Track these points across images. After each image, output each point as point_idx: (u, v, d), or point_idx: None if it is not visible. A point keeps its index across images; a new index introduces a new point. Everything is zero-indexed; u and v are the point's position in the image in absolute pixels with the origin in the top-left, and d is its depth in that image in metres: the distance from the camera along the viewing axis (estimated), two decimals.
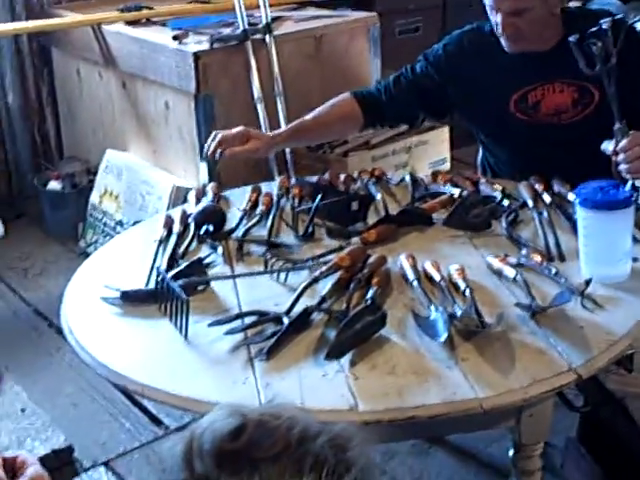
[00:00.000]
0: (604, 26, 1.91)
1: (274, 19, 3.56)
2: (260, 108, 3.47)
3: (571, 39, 1.95)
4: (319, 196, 2.13)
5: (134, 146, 3.88)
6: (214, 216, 2.10)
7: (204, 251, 2.01)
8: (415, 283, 1.77)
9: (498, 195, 2.11)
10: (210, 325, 1.67)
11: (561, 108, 2.22)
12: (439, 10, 4.57)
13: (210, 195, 2.24)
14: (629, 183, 1.82)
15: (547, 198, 2.11)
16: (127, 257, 2.07)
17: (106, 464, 2.65)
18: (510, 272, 1.78)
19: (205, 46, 3.36)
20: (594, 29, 1.92)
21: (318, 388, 1.51)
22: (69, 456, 2.51)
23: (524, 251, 1.88)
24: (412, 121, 2.59)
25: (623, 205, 1.73)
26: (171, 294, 1.73)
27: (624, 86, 1.97)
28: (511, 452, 1.77)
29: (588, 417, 2.15)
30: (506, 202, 2.09)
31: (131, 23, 3.72)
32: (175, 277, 1.80)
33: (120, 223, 3.75)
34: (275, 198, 2.21)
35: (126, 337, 1.74)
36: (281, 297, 1.77)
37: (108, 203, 3.85)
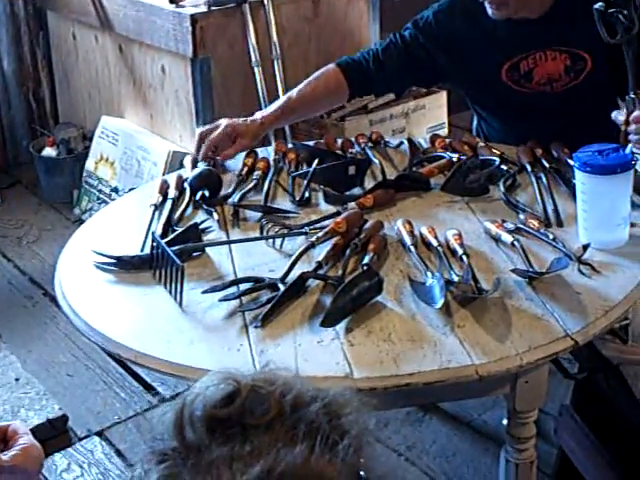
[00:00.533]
0: None
1: None
2: (257, 72, 3.44)
3: (596, 6, 1.91)
4: (316, 161, 2.11)
5: (130, 111, 3.85)
6: (210, 181, 2.08)
7: (200, 217, 1.99)
8: (412, 249, 1.76)
9: (496, 160, 2.09)
10: (205, 292, 1.66)
11: (553, 76, 2.19)
12: None
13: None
14: (629, 147, 1.80)
15: (545, 162, 2.09)
16: (122, 223, 2.06)
17: (100, 433, 2.66)
18: (507, 238, 1.77)
19: (202, 8, 3.33)
20: None
21: (313, 355, 1.50)
22: (63, 425, 2.52)
23: (522, 216, 1.86)
24: (401, 91, 2.55)
25: (622, 169, 1.71)
26: (166, 260, 1.72)
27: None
28: (505, 420, 1.77)
29: (583, 384, 2.14)
30: (504, 167, 2.07)
31: None
32: (170, 243, 1.78)
33: (115, 190, 3.73)
34: (271, 163, 2.19)
35: (120, 304, 1.73)
36: (277, 263, 1.76)
37: (104, 169, 3.83)
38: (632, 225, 1.79)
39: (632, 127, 1.93)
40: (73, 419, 2.65)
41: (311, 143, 2.35)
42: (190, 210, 2.02)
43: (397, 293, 1.65)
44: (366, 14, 3.80)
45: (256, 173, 2.14)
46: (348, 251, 1.74)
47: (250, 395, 0.80)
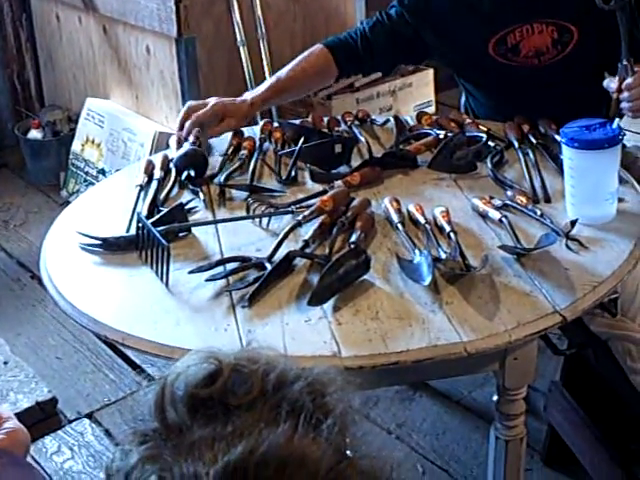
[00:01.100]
0: None
1: None
2: (243, 51, 3.43)
3: None
4: (302, 139, 2.10)
5: (115, 92, 3.83)
6: (196, 161, 2.06)
7: (186, 197, 1.98)
8: (399, 226, 1.75)
9: (483, 136, 2.08)
10: (191, 272, 1.65)
11: (541, 49, 2.17)
12: None
13: (191, 139, 2.20)
14: (616, 121, 1.79)
15: (533, 139, 2.08)
16: (107, 204, 2.04)
17: (90, 415, 2.65)
18: (495, 214, 1.76)
19: None
20: None
21: (301, 334, 1.49)
22: (53, 408, 2.51)
23: (509, 193, 1.85)
24: (389, 69, 2.53)
25: (610, 144, 1.71)
26: (152, 241, 1.70)
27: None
28: (495, 397, 1.77)
29: (572, 360, 2.15)
30: (491, 143, 2.06)
31: None
32: (156, 223, 1.77)
33: (102, 171, 3.71)
34: (257, 142, 2.17)
35: (106, 285, 1.71)
36: (263, 242, 1.75)
37: (90, 151, 3.81)
38: (620, 200, 1.79)
39: (625, 94, 1.93)
40: (63, 402, 2.64)
41: (297, 122, 2.33)
42: (176, 190, 2.01)
43: (385, 271, 1.64)
44: None
45: (242, 152, 2.12)
46: (335, 229, 1.72)
47: (232, 374, 0.79)
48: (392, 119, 2.27)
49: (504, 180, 1.92)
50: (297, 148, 2.06)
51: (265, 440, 0.74)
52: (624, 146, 2.17)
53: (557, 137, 1.97)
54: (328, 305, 1.54)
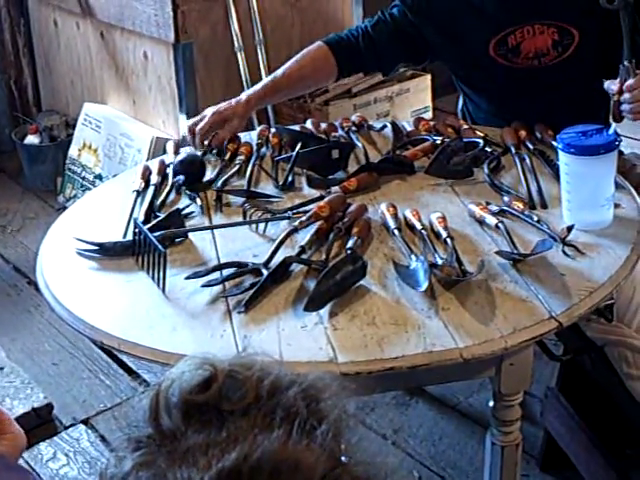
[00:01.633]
0: None
1: None
2: (240, 57, 3.43)
3: None
4: (299, 145, 2.10)
5: (113, 97, 3.83)
6: (193, 166, 2.06)
7: (183, 202, 1.98)
8: (396, 232, 1.75)
9: (480, 142, 2.08)
10: (188, 278, 1.65)
11: (541, 50, 2.18)
12: None
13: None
14: (612, 127, 1.79)
15: (530, 144, 2.09)
16: (104, 210, 2.04)
17: (86, 421, 2.65)
18: (492, 220, 1.76)
19: None
20: None
21: (297, 340, 1.49)
22: (49, 414, 2.50)
23: (506, 198, 1.86)
24: (390, 68, 2.51)
25: (606, 150, 1.71)
26: (148, 246, 1.70)
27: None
28: (491, 402, 1.77)
29: (568, 366, 2.15)
30: (488, 149, 2.06)
31: None
32: (153, 229, 1.77)
33: (99, 177, 3.71)
34: (255, 147, 2.18)
35: (103, 291, 1.71)
36: (260, 248, 1.75)
37: (87, 156, 3.81)
38: (616, 206, 1.79)
39: (626, 96, 1.92)
40: (58, 407, 2.63)
41: (294, 127, 2.33)
42: (173, 196, 2.01)
43: (381, 277, 1.64)
44: None
45: (239, 158, 2.12)
46: (332, 235, 1.73)
47: (226, 380, 0.79)
48: (389, 125, 2.27)
49: (501, 186, 1.93)
50: (294, 154, 2.06)
51: (259, 446, 0.74)
52: (621, 152, 2.18)
53: (554, 143, 1.97)
54: (324, 311, 1.54)
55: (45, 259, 1.84)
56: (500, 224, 1.74)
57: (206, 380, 0.79)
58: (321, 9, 3.72)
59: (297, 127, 2.33)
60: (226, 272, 1.66)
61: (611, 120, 1.94)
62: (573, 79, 2.19)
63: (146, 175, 2.07)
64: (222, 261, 1.72)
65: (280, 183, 2.01)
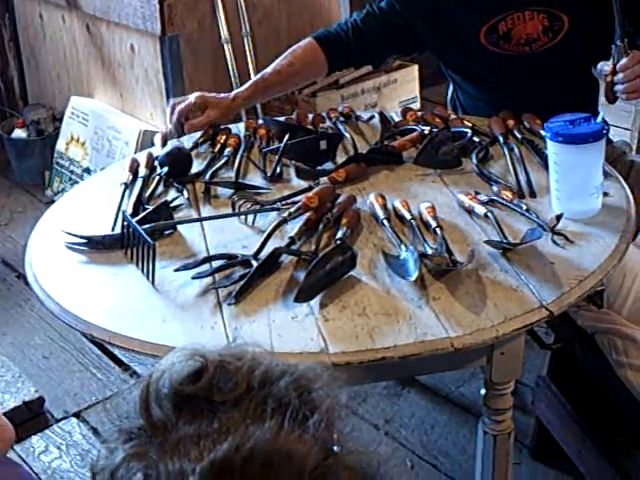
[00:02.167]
0: None
1: None
2: (227, 49, 3.42)
3: None
4: (287, 136, 2.09)
5: (100, 91, 3.82)
6: (179, 158, 2.06)
7: (171, 195, 1.97)
8: (385, 222, 1.75)
9: (468, 131, 2.08)
10: (177, 270, 1.64)
11: (532, 36, 2.18)
12: None
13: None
14: (600, 115, 1.79)
15: (518, 134, 2.09)
16: (92, 203, 2.03)
17: (78, 414, 2.65)
18: (481, 209, 1.76)
19: None
20: None
21: (288, 331, 1.48)
22: (40, 407, 2.50)
23: (495, 188, 1.86)
24: (381, 61, 2.51)
25: (594, 138, 1.71)
26: (137, 239, 1.70)
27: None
28: (483, 391, 1.77)
29: (559, 354, 2.15)
30: (476, 139, 2.06)
31: None
32: (141, 222, 1.76)
33: (87, 170, 3.70)
34: (242, 139, 2.17)
35: (92, 284, 1.71)
36: (249, 239, 1.75)
37: (75, 150, 3.80)
38: (604, 194, 1.79)
39: (619, 76, 1.93)
40: (50, 401, 2.63)
41: (282, 118, 2.32)
42: (161, 188, 2.00)
43: (371, 267, 1.64)
44: None
45: (227, 150, 2.12)
46: (321, 226, 1.72)
47: (217, 371, 0.79)
48: (377, 115, 2.27)
49: (489, 175, 1.93)
50: (282, 145, 2.06)
51: (251, 437, 0.74)
52: (610, 141, 2.18)
53: (542, 132, 1.97)
54: (315, 302, 1.54)
55: (34, 253, 1.83)
56: (489, 213, 1.74)
57: (197, 371, 0.79)
58: (308, 1, 3.71)
59: (284, 118, 2.33)
60: (216, 264, 1.65)
61: (603, 101, 1.95)
62: (563, 65, 2.20)
63: (134, 168, 2.06)
64: (211, 253, 1.72)
65: (268, 174, 2.01)
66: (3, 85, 4.26)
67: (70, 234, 1.80)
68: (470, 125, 2.13)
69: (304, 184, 1.94)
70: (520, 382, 2.31)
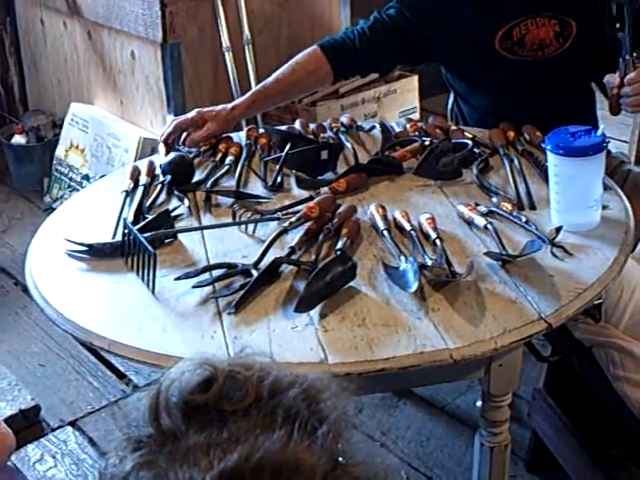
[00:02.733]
0: None
1: None
2: (228, 57, 3.43)
3: None
4: (288, 145, 2.10)
5: (100, 97, 3.82)
6: (182, 167, 2.06)
7: (172, 203, 1.97)
8: (385, 233, 1.75)
9: (469, 143, 2.09)
10: (177, 279, 1.64)
11: (544, 42, 2.20)
12: None
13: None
14: (601, 128, 1.80)
15: (518, 145, 2.09)
16: (93, 210, 2.04)
17: (73, 423, 2.64)
18: (480, 221, 1.77)
19: None
20: None
21: (287, 341, 1.49)
22: (36, 416, 2.50)
23: (495, 199, 1.86)
24: (388, 70, 2.49)
25: (594, 151, 1.71)
26: (138, 247, 1.70)
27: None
28: (479, 403, 1.77)
29: (556, 367, 2.16)
30: (477, 150, 2.07)
31: None
32: (142, 230, 1.77)
33: (86, 177, 3.70)
34: (244, 148, 2.17)
35: (92, 292, 1.71)
36: (250, 249, 1.75)
37: (74, 157, 3.80)
38: (604, 207, 1.80)
39: (627, 89, 1.96)
40: (46, 409, 2.62)
41: (283, 128, 2.33)
42: (162, 197, 2.00)
43: (371, 278, 1.64)
44: None
45: (229, 158, 2.12)
46: (321, 236, 1.73)
47: (227, 381, 0.79)
48: (378, 125, 2.27)
49: (489, 187, 1.93)
50: (283, 154, 2.06)
51: (261, 447, 0.74)
52: (609, 152, 2.19)
53: (542, 144, 1.98)
54: (315, 312, 1.54)
55: (34, 260, 1.83)
56: (489, 225, 1.75)
57: (206, 380, 0.79)
58: (309, 10, 3.72)
59: (285, 127, 2.33)
60: (216, 273, 1.66)
61: (602, 113, 1.96)
62: (569, 73, 2.24)
63: (135, 175, 2.07)
64: (212, 262, 1.72)
65: (269, 184, 2.01)
66: (3, 90, 4.26)
67: (71, 241, 1.80)
68: (471, 136, 2.13)
69: (305, 194, 1.94)
70: (517, 394, 2.31)
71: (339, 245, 1.68)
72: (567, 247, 1.68)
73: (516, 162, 2.01)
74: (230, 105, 2.21)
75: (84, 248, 1.79)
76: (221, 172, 2.07)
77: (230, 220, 1.86)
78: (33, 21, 4.07)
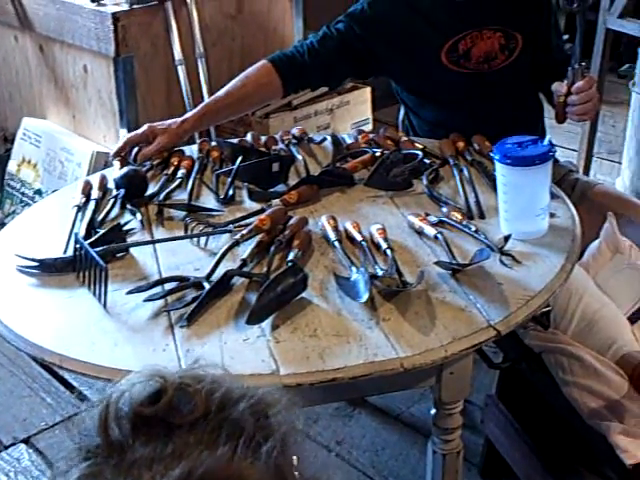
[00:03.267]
0: None
1: None
2: (181, 70, 3.43)
3: None
4: (239, 158, 2.10)
5: (53, 112, 3.80)
6: (136, 180, 2.06)
7: (125, 217, 1.97)
8: (336, 244, 1.77)
9: (419, 153, 2.11)
10: (129, 292, 1.64)
11: (490, 54, 2.24)
12: None
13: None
14: (547, 138, 1.83)
15: (468, 156, 2.12)
16: (44, 225, 2.02)
17: (27, 441, 2.61)
18: (431, 231, 1.79)
19: (124, 7, 3.30)
20: None
21: (239, 353, 1.49)
22: None
23: (445, 209, 1.88)
24: (337, 83, 2.52)
25: (541, 160, 1.74)
26: (89, 262, 1.70)
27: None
28: (433, 411, 1.79)
29: (507, 374, 2.18)
30: (427, 160, 2.09)
31: None
32: (93, 244, 1.76)
33: (39, 192, 3.68)
34: (196, 161, 2.18)
35: (43, 308, 1.70)
36: (202, 261, 1.75)
37: (26, 172, 3.77)
38: (551, 215, 1.83)
39: (574, 97, 2.01)
40: None
41: (235, 140, 2.34)
42: (115, 211, 2.00)
43: (322, 289, 1.65)
44: (289, 11, 3.81)
45: (181, 171, 2.13)
46: (273, 248, 1.74)
47: (176, 393, 0.79)
48: (329, 137, 2.29)
49: (439, 197, 1.96)
50: (235, 167, 2.07)
51: (203, 462, 0.73)
52: (556, 161, 2.23)
53: (491, 154, 2.01)
54: (266, 323, 1.55)
55: None
56: (439, 235, 1.77)
57: (156, 392, 0.79)
58: (262, 23, 3.74)
59: (236, 140, 2.34)
60: (168, 286, 1.66)
61: (550, 123, 2.01)
62: (515, 85, 2.28)
63: (87, 190, 2.06)
64: (164, 275, 1.72)
65: (221, 197, 2.02)
66: None
67: (22, 257, 1.79)
68: (421, 147, 2.16)
69: (256, 206, 1.95)
70: (469, 401, 2.34)
71: (290, 257, 1.69)
72: (516, 255, 1.71)
73: (465, 172, 2.04)
74: (180, 119, 2.22)
75: (35, 264, 1.78)
76: (173, 185, 2.07)
77: (182, 233, 1.86)
78: None
